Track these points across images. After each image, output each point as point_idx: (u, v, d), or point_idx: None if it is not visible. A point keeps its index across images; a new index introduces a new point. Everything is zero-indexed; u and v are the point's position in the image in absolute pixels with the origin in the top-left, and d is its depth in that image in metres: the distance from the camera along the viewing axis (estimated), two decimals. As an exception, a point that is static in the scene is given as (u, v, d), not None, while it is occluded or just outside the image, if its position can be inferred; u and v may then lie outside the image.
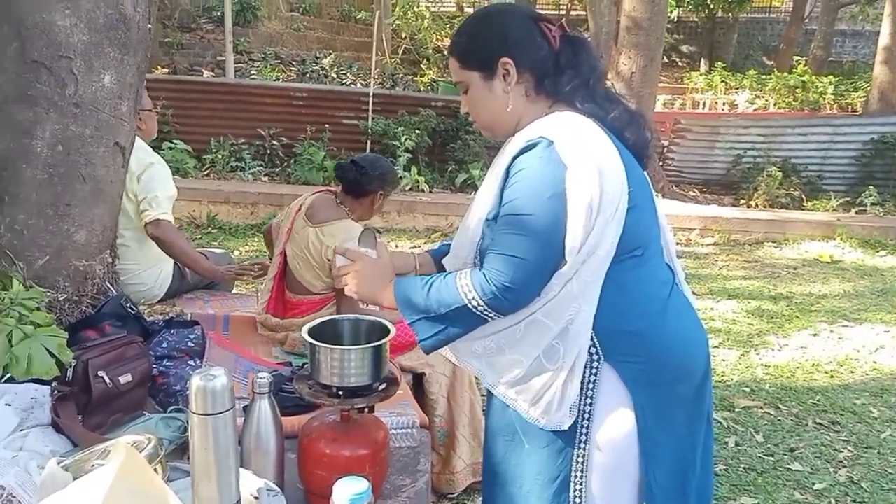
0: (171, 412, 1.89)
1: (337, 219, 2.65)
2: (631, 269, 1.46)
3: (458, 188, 7.73)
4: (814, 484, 2.90)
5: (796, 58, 14.26)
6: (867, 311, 5.06)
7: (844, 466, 3.04)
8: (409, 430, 2.04)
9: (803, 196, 8.27)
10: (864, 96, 11.49)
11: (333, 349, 1.67)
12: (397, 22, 11.67)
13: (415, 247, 6.07)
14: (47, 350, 1.63)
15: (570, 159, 1.38)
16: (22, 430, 1.73)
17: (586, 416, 1.47)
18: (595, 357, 1.46)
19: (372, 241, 1.70)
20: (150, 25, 2.39)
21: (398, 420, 2.06)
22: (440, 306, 1.47)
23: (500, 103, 1.53)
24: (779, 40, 15.84)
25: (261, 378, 1.62)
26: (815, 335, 4.60)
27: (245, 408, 2.19)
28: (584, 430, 1.47)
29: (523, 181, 1.41)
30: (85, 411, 1.80)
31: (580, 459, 1.48)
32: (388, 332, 1.74)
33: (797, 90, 12.18)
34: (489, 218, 1.49)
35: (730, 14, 15.19)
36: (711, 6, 14.56)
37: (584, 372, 1.46)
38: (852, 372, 4.03)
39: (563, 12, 15.61)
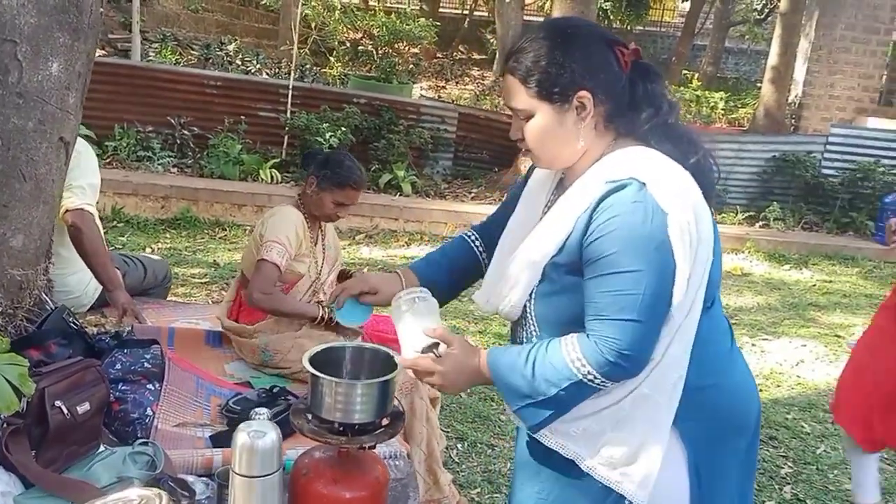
0: (138, 446, 1.69)
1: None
2: (702, 322, 1.36)
3: (381, 189, 7.54)
4: (764, 501, 2.95)
5: (685, 72, 14.85)
6: (782, 324, 5.23)
7: (788, 483, 3.11)
8: (396, 462, 1.91)
9: (711, 209, 8.56)
10: (750, 112, 12.06)
11: (339, 382, 1.53)
12: (307, 11, 11.33)
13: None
14: (7, 381, 1.41)
15: (668, 204, 1.26)
16: (-36, 470, 1.50)
17: None
18: None
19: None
20: (101, 10, 2.16)
21: (385, 450, 1.92)
22: (550, 387, 1.32)
23: (570, 137, 1.37)
24: (668, 53, 16.37)
25: (260, 415, 1.46)
26: (738, 348, 4.71)
27: (212, 437, 2.00)
28: None
29: (620, 231, 1.26)
30: (39, 446, 1.59)
31: None
32: (393, 361, 1.62)
33: (692, 104, 12.65)
34: (559, 262, 1.35)
35: (627, 26, 15.59)
36: (611, 17, 14.92)
37: None
38: (778, 386, 4.15)
39: (466, 12, 15.67)
